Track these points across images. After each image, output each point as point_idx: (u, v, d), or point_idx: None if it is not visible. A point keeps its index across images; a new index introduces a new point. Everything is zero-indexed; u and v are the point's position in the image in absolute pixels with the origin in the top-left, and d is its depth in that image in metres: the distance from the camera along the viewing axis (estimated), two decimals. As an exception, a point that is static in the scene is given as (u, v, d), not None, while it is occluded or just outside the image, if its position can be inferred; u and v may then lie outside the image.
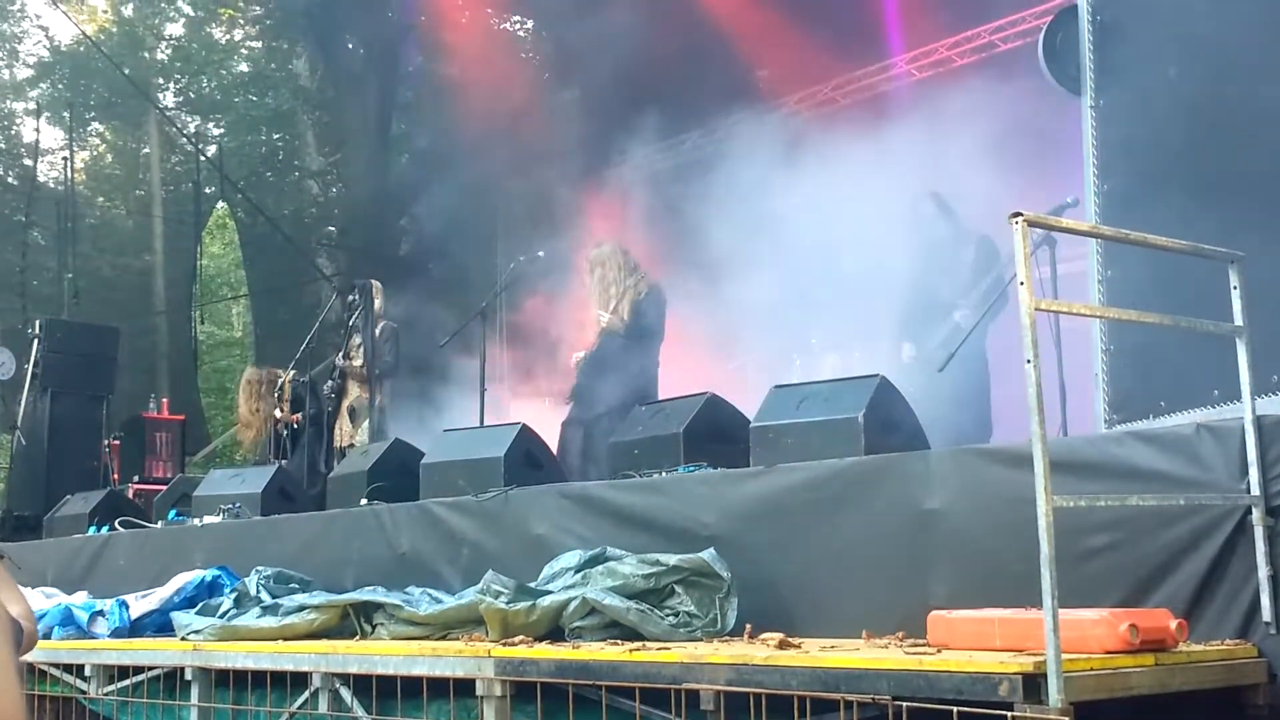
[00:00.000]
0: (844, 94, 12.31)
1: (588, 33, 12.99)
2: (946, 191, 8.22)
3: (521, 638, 5.08)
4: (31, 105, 21.37)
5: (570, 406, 8.75)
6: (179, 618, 6.58)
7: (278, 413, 10.70)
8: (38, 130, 20.84)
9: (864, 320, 9.41)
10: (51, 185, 20.55)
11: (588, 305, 8.93)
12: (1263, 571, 4.01)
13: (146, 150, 21.55)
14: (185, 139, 20.20)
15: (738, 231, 10.00)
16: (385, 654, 5.39)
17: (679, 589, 5.05)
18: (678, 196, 11.71)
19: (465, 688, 4.99)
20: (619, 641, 4.84)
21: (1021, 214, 3.74)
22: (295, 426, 10.56)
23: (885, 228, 8.41)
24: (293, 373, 10.72)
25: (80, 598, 7.62)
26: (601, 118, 14.15)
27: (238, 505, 8.03)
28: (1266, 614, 4.00)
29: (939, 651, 3.97)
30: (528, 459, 6.61)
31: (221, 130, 21.13)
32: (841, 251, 8.76)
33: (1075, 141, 5.91)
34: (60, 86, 21.66)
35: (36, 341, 13.27)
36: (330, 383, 10.51)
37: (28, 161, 20.70)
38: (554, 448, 7.66)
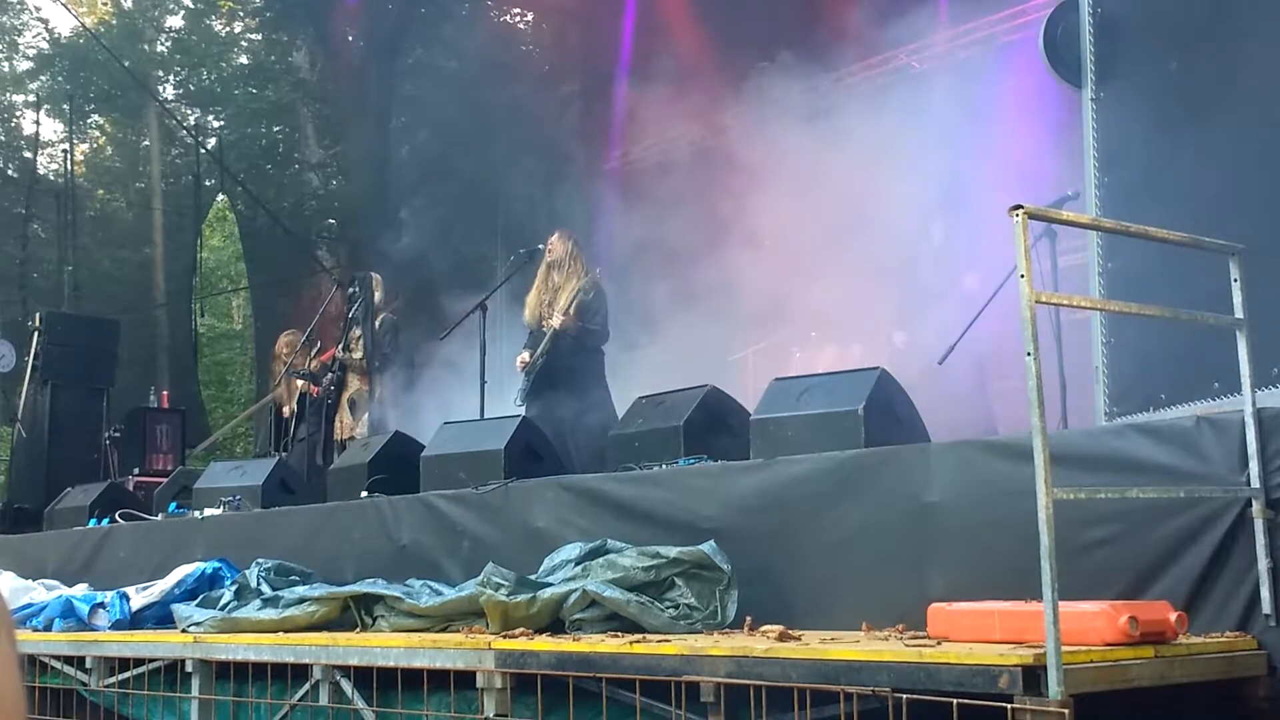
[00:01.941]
0: (843, 87, 12.29)
1: (588, 25, 13.00)
2: (945, 188, 8.22)
3: (522, 630, 5.08)
4: (31, 98, 21.33)
5: (525, 409, 8.71)
6: (179, 610, 6.59)
7: (299, 383, 10.70)
8: (37, 123, 20.83)
9: (862, 313, 9.42)
10: (51, 178, 20.52)
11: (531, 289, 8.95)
12: (1262, 564, 4.01)
13: (146, 143, 21.52)
14: (185, 131, 20.18)
15: (736, 226, 10.00)
16: (386, 646, 5.39)
17: (679, 581, 5.05)
18: (677, 190, 11.70)
19: (466, 680, 4.99)
20: (619, 634, 4.84)
21: (1022, 206, 3.74)
22: (313, 397, 10.56)
23: (881, 219, 8.42)
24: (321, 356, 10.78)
25: (81, 590, 7.63)
26: (601, 110, 14.15)
27: (238, 498, 8.03)
28: (1266, 606, 4.00)
29: (939, 644, 3.98)
30: (528, 451, 6.61)
31: (221, 123, 21.09)
32: (840, 244, 8.76)
33: (1076, 134, 5.91)
34: (60, 79, 21.61)
35: (37, 334, 13.27)
36: (330, 375, 10.51)
37: (27, 154, 20.68)
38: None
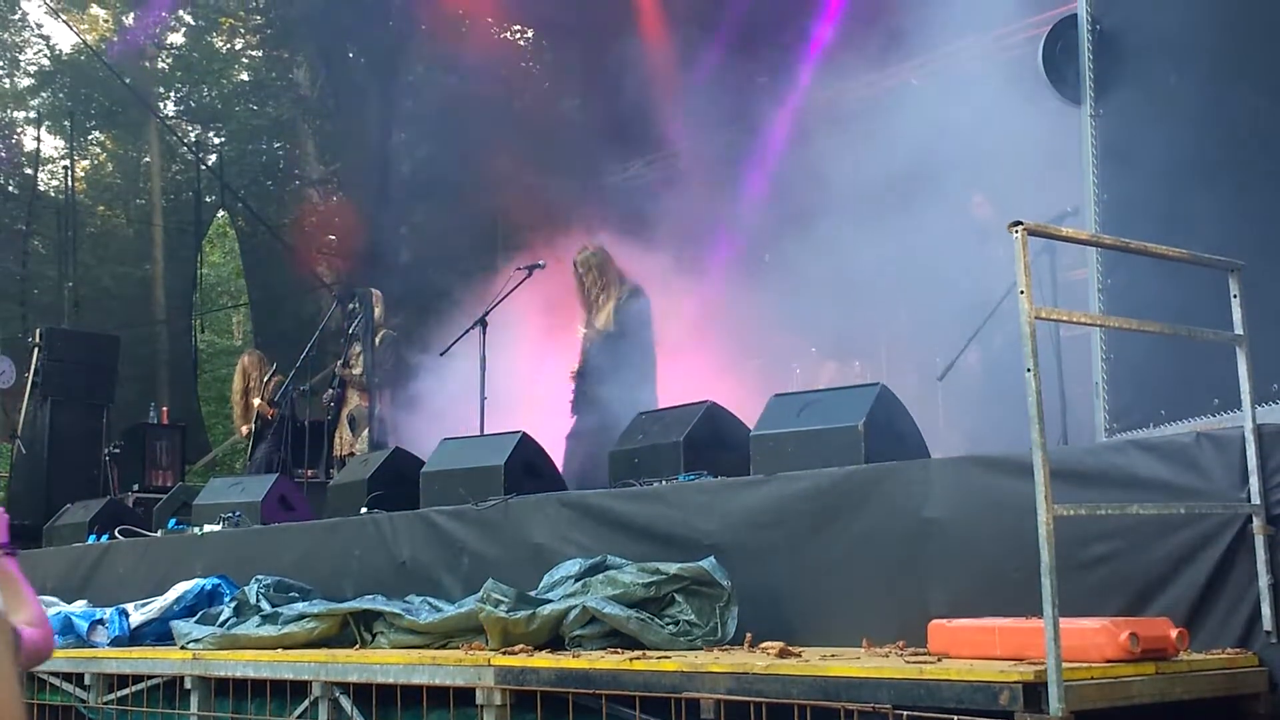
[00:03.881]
0: (847, 99, 12.32)
1: (588, 41, 13.03)
2: (944, 193, 8.24)
3: (521, 646, 5.07)
4: (32, 114, 21.38)
5: (575, 420, 8.76)
6: (179, 626, 6.58)
7: (256, 401, 10.83)
8: (38, 139, 20.88)
9: (870, 329, 9.43)
10: (52, 194, 20.57)
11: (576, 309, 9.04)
12: (1263, 580, 4.00)
13: (147, 159, 21.55)
14: (186, 148, 20.21)
15: (739, 240, 10.02)
16: (385, 663, 5.38)
17: (679, 597, 5.05)
18: (679, 204, 11.72)
19: (465, 696, 4.99)
20: (619, 650, 4.83)
21: (1021, 223, 3.74)
22: (270, 419, 10.66)
23: (884, 232, 8.43)
24: (278, 376, 10.87)
25: (80, 606, 7.61)
26: (602, 126, 14.17)
27: (238, 514, 8.03)
28: (1267, 623, 4.00)
29: (939, 660, 3.97)
30: (528, 468, 6.61)
31: (222, 139, 21.13)
32: (843, 258, 8.77)
33: (1075, 149, 5.92)
34: (61, 95, 21.66)
35: (37, 350, 13.29)
36: (330, 391, 10.54)
37: (28, 170, 20.72)
38: (558, 460, 7.70)
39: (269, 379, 11.12)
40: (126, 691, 6.59)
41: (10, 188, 20.48)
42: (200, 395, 20.09)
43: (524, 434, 6.75)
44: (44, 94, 21.97)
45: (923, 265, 8.69)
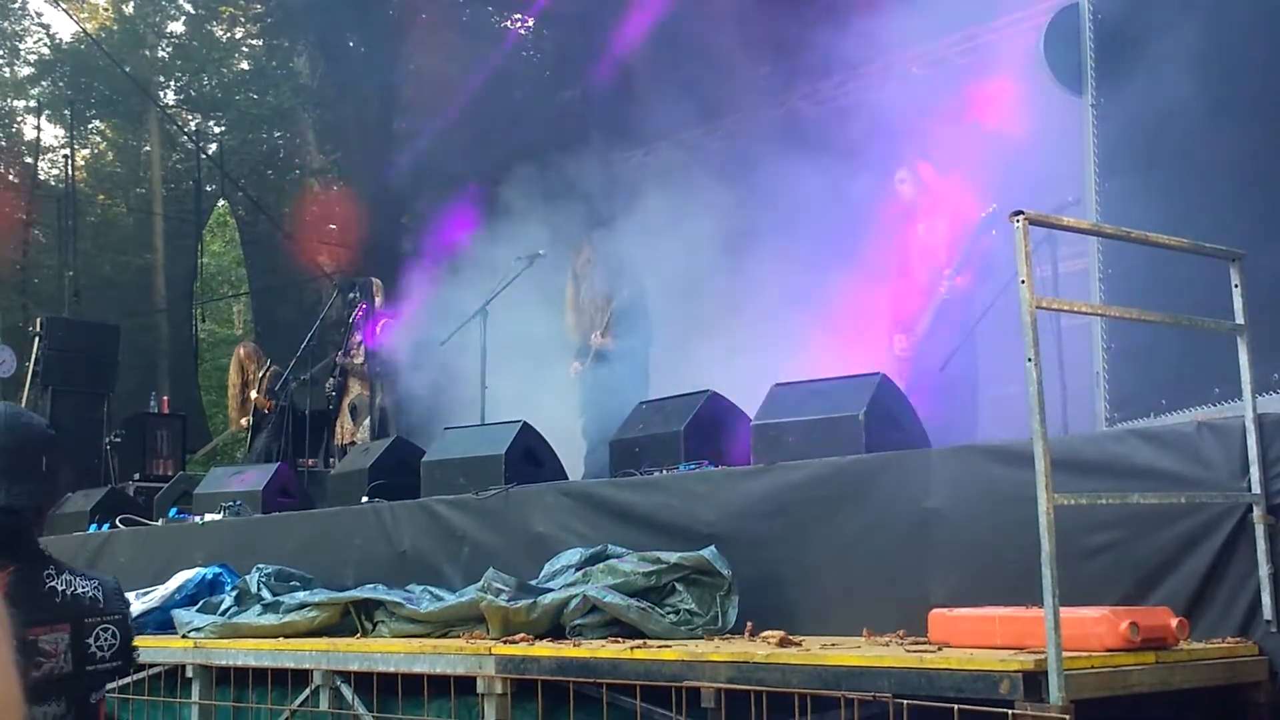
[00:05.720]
0: (843, 91, 12.30)
1: (589, 31, 13.01)
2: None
3: (522, 635, 5.08)
4: (32, 103, 21.35)
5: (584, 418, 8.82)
6: (180, 615, 6.58)
7: (253, 394, 10.87)
8: (38, 128, 20.85)
9: (860, 317, 9.40)
10: (52, 183, 20.55)
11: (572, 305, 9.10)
12: (1263, 569, 4.01)
13: (147, 148, 21.52)
14: (186, 137, 20.19)
15: (735, 230, 10.01)
16: (386, 652, 5.39)
17: (680, 587, 5.05)
18: (678, 195, 11.70)
19: (466, 685, 4.99)
20: (620, 639, 4.84)
21: (1023, 212, 3.74)
22: (267, 412, 10.70)
23: (882, 226, 8.42)
24: (274, 368, 10.90)
25: (81, 595, 7.60)
26: (601, 115, 14.16)
27: (239, 503, 8.03)
28: (1267, 612, 4.00)
29: (940, 649, 3.98)
30: (528, 457, 6.61)
31: (222, 128, 21.09)
32: (839, 250, 8.77)
33: (1076, 139, 5.91)
34: (61, 84, 21.62)
35: (37, 339, 13.28)
36: (331, 380, 10.54)
37: (29, 159, 20.70)
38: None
39: (265, 372, 11.14)
40: (127, 680, 6.59)
41: (11, 177, 20.46)
42: (201, 384, 20.09)
43: (524, 423, 6.75)
44: (44, 83, 21.91)
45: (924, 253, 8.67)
